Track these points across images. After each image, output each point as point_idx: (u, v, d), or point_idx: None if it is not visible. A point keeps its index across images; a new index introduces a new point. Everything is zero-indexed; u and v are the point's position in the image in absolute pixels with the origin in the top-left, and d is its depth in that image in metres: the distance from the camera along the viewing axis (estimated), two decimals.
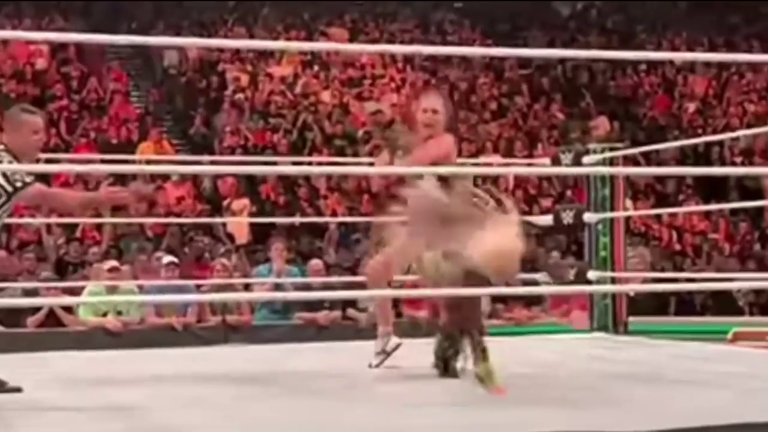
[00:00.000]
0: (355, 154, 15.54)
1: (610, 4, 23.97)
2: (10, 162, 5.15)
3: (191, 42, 14.27)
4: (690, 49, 20.98)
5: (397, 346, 5.76)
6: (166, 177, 14.14)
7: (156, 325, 9.03)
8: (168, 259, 9.79)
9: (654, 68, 20.64)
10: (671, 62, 20.47)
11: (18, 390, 5.03)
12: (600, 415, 4.16)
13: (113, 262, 9.64)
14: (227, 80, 17.96)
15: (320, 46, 14.50)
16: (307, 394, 4.98)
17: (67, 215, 9.87)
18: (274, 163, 12.79)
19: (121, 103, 16.82)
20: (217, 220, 13.50)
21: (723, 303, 11.24)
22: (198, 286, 9.39)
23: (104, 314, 8.92)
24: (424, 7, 22.36)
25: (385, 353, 5.74)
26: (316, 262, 10.24)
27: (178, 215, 13.29)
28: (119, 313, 9.02)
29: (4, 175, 5.05)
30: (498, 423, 4.07)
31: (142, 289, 9.02)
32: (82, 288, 8.99)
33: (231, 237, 13.64)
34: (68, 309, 8.95)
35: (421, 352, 5.46)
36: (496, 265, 4.53)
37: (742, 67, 20.88)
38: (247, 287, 9.70)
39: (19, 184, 5.07)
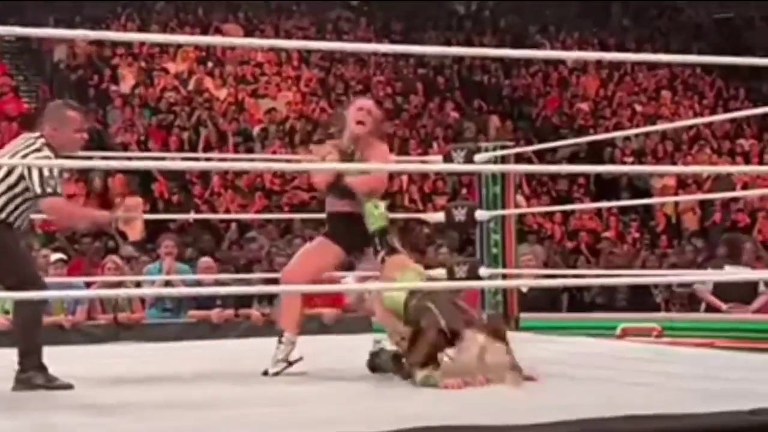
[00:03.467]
0: (250, 151, 15.51)
1: (503, 4, 24.20)
2: (48, 157, 5.01)
3: (83, 34, 13.98)
4: (582, 50, 21.30)
5: (299, 359, 5.56)
6: None
7: (44, 324, 8.83)
8: (56, 256, 9.63)
9: (547, 68, 20.91)
10: (564, 63, 20.76)
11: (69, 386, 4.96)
12: (486, 409, 4.20)
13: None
14: (119, 76, 17.73)
15: (215, 40, 14.38)
16: (193, 393, 4.93)
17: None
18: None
19: (10, 99, 16.50)
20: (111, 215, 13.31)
21: (640, 300, 11.42)
22: (88, 284, 9.23)
23: None
24: (320, 5, 22.34)
25: (287, 363, 5.53)
26: (205, 260, 10.14)
27: None
28: (6, 312, 8.82)
29: (41, 175, 4.93)
30: (385, 415, 4.08)
31: None
32: None
33: (123, 235, 13.47)
34: None
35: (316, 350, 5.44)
36: None
37: (632, 69, 21.28)
38: (138, 285, 9.58)
39: (49, 190, 4.95)
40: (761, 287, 9.61)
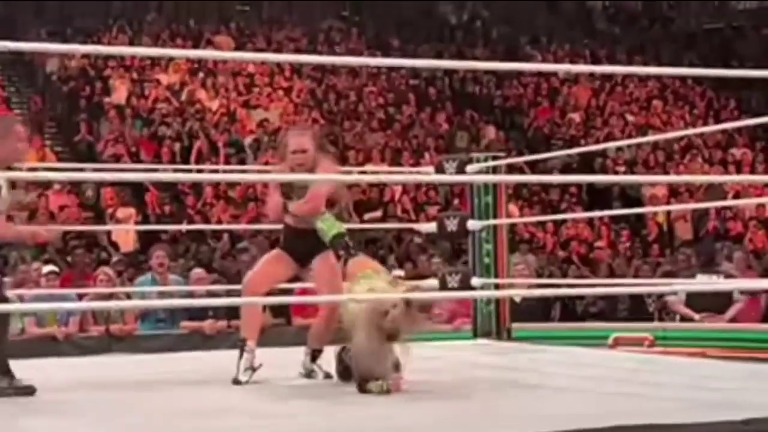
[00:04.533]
0: (242, 162, 15.50)
1: (494, 15, 24.24)
2: None
3: (77, 48, 14.01)
4: (573, 61, 21.35)
5: (260, 366, 5.65)
6: (48, 185, 13.90)
7: (36, 336, 8.83)
8: (48, 268, 9.61)
9: (538, 79, 20.93)
10: (555, 73, 20.75)
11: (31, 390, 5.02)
12: (478, 418, 4.20)
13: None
14: (111, 88, 17.72)
15: (207, 54, 14.37)
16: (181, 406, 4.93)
17: None
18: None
19: (1, 110, 16.48)
20: (102, 227, 13.31)
21: (635, 309, 11.43)
22: (80, 296, 9.21)
23: None
24: (312, 16, 22.35)
25: (253, 369, 5.62)
26: (197, 271, 10.13)
27: (62, 224, 13.07)
28: None
29: None
30: (374, 426, 4.09)
31: (22, 299, 8.82)
32: None
33: (115, 246, 13.45)
34: None
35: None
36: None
37: (623, 79, 21.30)
38: (130, 297, 9.56)
39: None
40: (735, 295, 9.61)
